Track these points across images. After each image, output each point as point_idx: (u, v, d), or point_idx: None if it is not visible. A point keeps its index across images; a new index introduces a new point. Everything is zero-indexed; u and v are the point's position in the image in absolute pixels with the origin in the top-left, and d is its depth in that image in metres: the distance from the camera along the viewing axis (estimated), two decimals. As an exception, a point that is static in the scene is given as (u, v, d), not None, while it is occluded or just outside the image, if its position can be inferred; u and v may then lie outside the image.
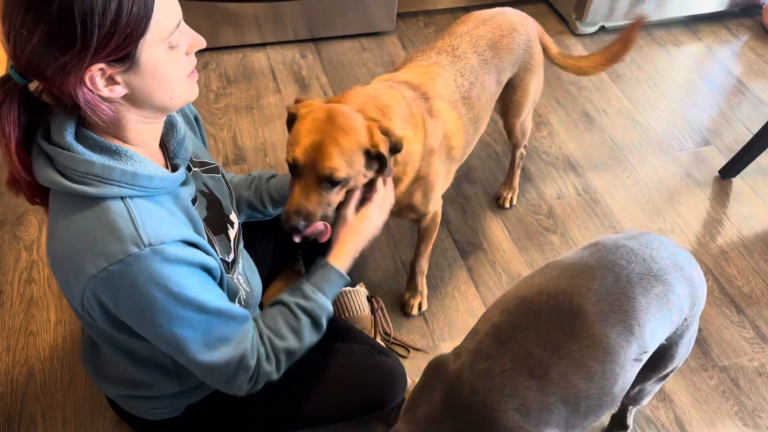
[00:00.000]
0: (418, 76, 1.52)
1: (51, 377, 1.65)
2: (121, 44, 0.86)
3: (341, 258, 1.24)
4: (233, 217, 1.28)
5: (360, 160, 1.22)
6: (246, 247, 1.38)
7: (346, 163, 1.20)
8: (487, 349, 1.09)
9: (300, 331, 1.16)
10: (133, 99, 0.95)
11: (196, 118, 1.31)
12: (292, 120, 1.28)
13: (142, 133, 1.01)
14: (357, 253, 1.27)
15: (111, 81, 0.90)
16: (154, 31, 0.88)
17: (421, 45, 2.78)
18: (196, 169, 1.21)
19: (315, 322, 1.18)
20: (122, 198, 0.95)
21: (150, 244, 0.92)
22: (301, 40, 2.77)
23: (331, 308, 1.21)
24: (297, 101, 1.30)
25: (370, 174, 1.27)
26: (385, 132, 1.24)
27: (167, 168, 1.10)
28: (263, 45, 2.74)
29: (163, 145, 1.11)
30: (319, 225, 1.25)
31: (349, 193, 1.27)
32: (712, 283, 1.99)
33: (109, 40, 0.85)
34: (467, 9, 2.95)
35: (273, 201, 1.45)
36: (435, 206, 1.60)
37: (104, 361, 1.26)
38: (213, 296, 1.03)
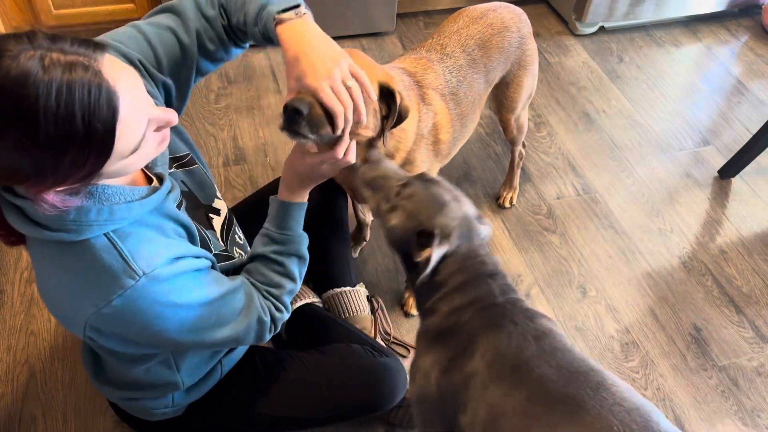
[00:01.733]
0: (411, 65, 1.54)
1: (51, 377, 1.65)
2: (78, 180, 0.82)
3: (290, 190, 1.18)
4: (217, 203, 1.28)
5: (374, 89, 1.15)
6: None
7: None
8: None
9: (290, 272, 1.19)
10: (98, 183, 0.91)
11: (143, 66, 1.11)
12: None
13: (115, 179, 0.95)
14: (305, 183, 1.17)
15: (75, 190, 0.86)
16: (117, 155, 0.83)
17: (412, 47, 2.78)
18: (172, 169, 1.19)
19: (300, 258, 1.21)
20: (106, 234, 0.92)
21: (144, 273, 0.92)
22: (301, 41, 2.77)
23: (305, 237, 1.22)
24: None
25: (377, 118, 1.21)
26: (398, 91, 1.22)
27: (143, 177, 1.05)
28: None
29: None
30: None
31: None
32: (712, 283, 1.99)
33: (64, 180, 0.81)
34: (467, 9, 2.95)
35: (262, 38, 1.14)
36: None
37: (104, 366, 1.26)
38: (213, 286, 1.05)
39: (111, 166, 0.84)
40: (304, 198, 1.20)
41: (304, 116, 1.04)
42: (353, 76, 1.04)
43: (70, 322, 1.00)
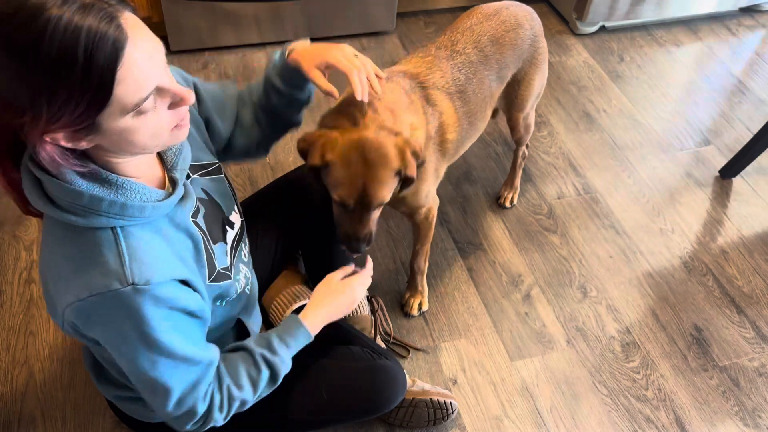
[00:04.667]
0: (415, 66, 1.54)
1: (50, 377, 1.65)
2: (74, 120, 0.81)
3: (314, 319, 1.25)
4: (234, 217, 1.27)
5: (395, 182, 1.30)
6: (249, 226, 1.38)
7: (388, 190, 1.29)
8: None
9: (258, 383, 1.15)
10: (101, 149, 0.90)
11: (195, 89, 1.24)
12: (305, 153, 1.30)
13: (131, 163, 0.96)
14: (329, 319, 1.28)
15: (74, 138, 0.85)
16: (115, 105, 0.82)
17: (421, 45, 2.77)
18: (195, 175, 1.18)
19: (273, 377, 1.18)
20: (113, 228, 0.92)
21: (133, 283, 0.90)
22: (301, 40, 2.76)
23: (290, 365, 1.20)
24: (304, 140, 1.30)
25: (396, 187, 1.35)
26: (414, 153, 1.30)
27: (164, 181, 1.05)
28: (263, 45, 2.73)
29: (160, 156, 1.07)
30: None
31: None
32: (713, 283, 1.99)
33: (59, 116, 0.80)
34: (467, 9, 2.94)
35: (287, 83, 1.30)
36: (427, 201, 1.59)
37: (102, 364, 1.26)
38: (185, 342, 1.01)
39: (112, 120, 0.83)
40: (315, 331, 1.25)
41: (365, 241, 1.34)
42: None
43: (53, 309, 1.00)
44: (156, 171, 1.04)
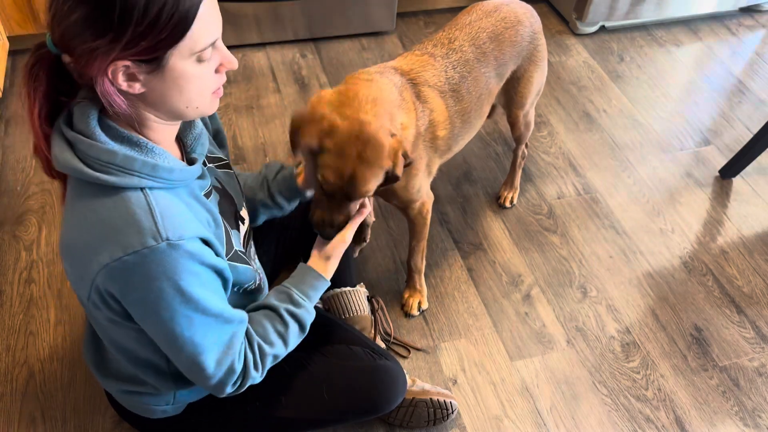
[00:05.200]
0: (408, 63, 1.54)
1: (50, 377, 1.65)
2: (152, 47, 0.87)
3: (324, 266, 1.29)
4: (244, 213, 1.30)
5: (381, 179, 1.30)
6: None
7: (373, 185, 1.29)
8: None
9: (287, 336, 1.18)
10: (149, 99, 0.95)
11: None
12: (296, 128, 1.30)
13: (159, 132, 1.02)
14: (337, 260, 1.32)
15: (132, 78, 0.91)
16: (188, 43, 0.89)
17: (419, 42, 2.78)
18: (210, 165, 1.22)
19: (302, 327, 1.21)
20: (142, 189, 0.96)
21: (167, 239, 0.93)
22: (301, 40, 2.77)
23: (314, 314, 1.24)
24: (301, 116, 1.30)
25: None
26: (404, 154, 1.31)
27: (184, 161, 1.11)
28: (263, 45, 2.73)
29: (180, 140, 1.13)
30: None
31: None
32: (713, 283, 1.99)
33: (141, 39, 0.86)
34: (467, 9, 2.95)
35: (284, 197, 1.45)
36: (419, 196, 1.59)
37: (107, 357, 1.26)
38: (217, 299, 1.04)
39: (179, 59, 0.90)
40: (329, 275, 1.29)
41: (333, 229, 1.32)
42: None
43: (80, 276, 0.99)
44: (176, 150, 1.10)
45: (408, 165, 1.34)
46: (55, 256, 1.91)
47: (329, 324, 1.53)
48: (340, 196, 1.29)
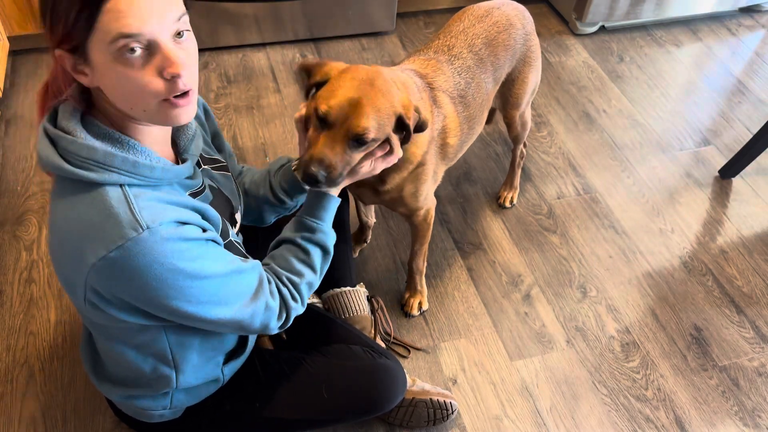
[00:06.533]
0: (422, 67, 1.54)
1: (51, 377, 1.65)
2: (66, 36, 0.89)
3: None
4: (238, 216, 1.30)
5: (390, 125, 1.22)
6: (247, 252, 1.38)
7: (378, 126, 1.18)
8: None
9: (313, 263, 1.21)
10: (104, 94, 0.96)
11: (205, 109, 1.32)
12: (308, 75, 1.27)
13: (145, 134, 1.02)
14: (345, 181, 1.27)
15: (77, 70, 0.93)
16: (99, 34, 0.87)
17: (421, 45, 2.78)
18: (206, 166, 1.22)
19: (324, 250, 1.23)
20: (121, 185, 0.96)
21: (147, 227, 0.93)
22: (301, 40, 2.77)
23: (334, 233, 1.25)
24: (306, 64, 1.29)
25: (394, 139, 1.27)
26: (416, 109, 1.26)
27: (176, 161, 1.12)
28: (263, 45, 2.74)
29: (174, 141, 1.13)
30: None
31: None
32: (712, 283, 1.99)
33: (56, 27, 0.89)
34: (467, 9, 2.95)
35: (284, 191, 1.42)
36: (425, 203, 1.59)
37: (104, 361, 1.26)
38: (220, 261, 1.04)
39: (98, 51, 0.89)
40: (337, 192, 1.26)
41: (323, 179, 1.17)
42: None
43: (72, 281, 1.00)
44: (168, 151, 1.10)
45: (420, 129, 1.27)
46: (55, 256, 1.91)
47: (329, 323, 1.53)
48: (339, 131, 1.16)
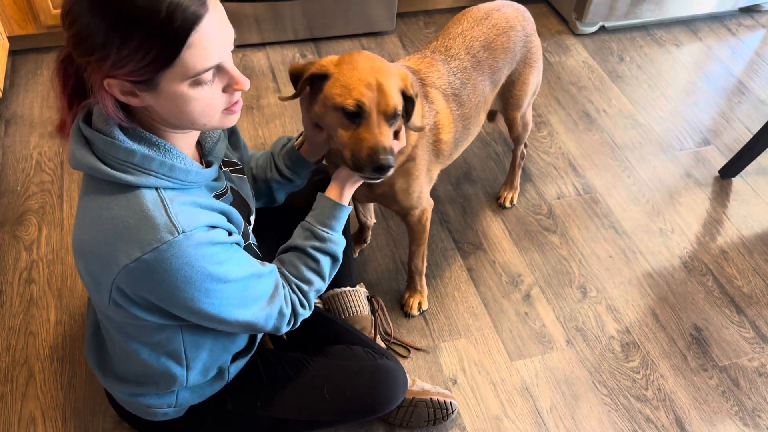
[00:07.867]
0: (415, 64, 1.55)
1: (51, 377, 1.65)
2: (137, 71, 0.88)
3: (339, 193, 1.29)
4: (252, 218, 1.33)
5: (400, 98, 1.26)
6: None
7: (398, 99, 1.24)
8: None
9: (322, 271, 1.23)
10: (152, 112, 0.97)
11: None
12: (297, 78, 1.28)
13: (177, 138, 1.04)
14: (354, 188, 1.31)
15: (129, 93, 0.92)
16: (178, 69, 0.89)
17: (421, 45, 2.78)
18: (226, 169, 1.25)
19: (333, 259, 1.25)
20: (156, 188, 0.97)
21: (183, 231, 0.95)
22: (301, 40, 2.77)
23: (344, 239, 1.27)
24: (296, 67, 1.29)
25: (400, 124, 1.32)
26: (412, 83, 1.29)
27: (201, 163, 1.14)
28: (263, 45, 2.73)
29: (199, 143, 1.16)
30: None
31: None
32: (712, 283, 1.99)
33: (126, 63, 0.87)
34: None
35: (289, 169, 1.42)
36: (420, 203, 1.59)
37: (111, 357, 1.26)
38: (243, 265, 1.07)
39: (171, 83, 0.89)
40: (347, 201, 1.29)
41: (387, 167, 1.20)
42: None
43: (98, 279, 1.01)
44: (194, 153, 1.12)
45: (414, 98, 1.29)
46: (55, 256, 1.91)
47: (329, 324, 1.53)
48: (375, 114, 1.20)
